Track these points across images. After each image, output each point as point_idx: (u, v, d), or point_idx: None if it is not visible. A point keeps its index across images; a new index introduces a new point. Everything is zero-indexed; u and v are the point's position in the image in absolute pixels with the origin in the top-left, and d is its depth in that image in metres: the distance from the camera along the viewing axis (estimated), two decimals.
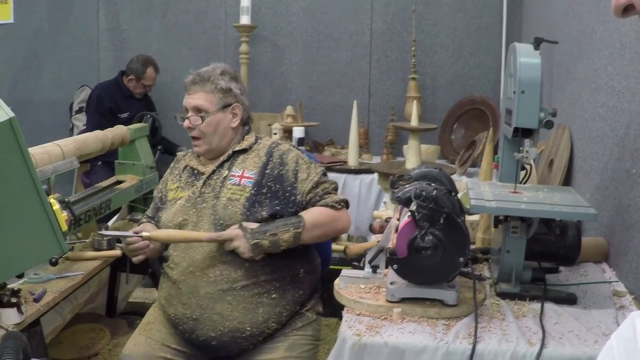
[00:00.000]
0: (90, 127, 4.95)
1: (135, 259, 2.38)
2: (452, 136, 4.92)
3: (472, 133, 4.69)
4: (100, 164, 5.05)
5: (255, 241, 2.22)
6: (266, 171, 2.37)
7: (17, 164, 1.56)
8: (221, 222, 2.30)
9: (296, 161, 2.40)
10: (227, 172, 2.39)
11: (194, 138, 2.44)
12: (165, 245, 2.43)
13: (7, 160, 1.55)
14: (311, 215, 2.33)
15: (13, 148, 1.55)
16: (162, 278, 2.47)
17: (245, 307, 2.27)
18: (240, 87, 2.51)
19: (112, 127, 3.46)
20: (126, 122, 3.89)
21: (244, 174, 2.37)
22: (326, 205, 2.36)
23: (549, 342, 1.64)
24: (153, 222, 2.53)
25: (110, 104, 5.12)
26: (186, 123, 2.43)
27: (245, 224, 2.26)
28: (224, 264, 2.28)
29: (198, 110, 2.41)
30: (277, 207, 2.34)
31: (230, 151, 2.44)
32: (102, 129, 3.39)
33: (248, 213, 2.29)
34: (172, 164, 2.64)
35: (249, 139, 2.49)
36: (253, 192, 2.33)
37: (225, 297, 2.26)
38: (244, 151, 2.45)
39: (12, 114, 1.54)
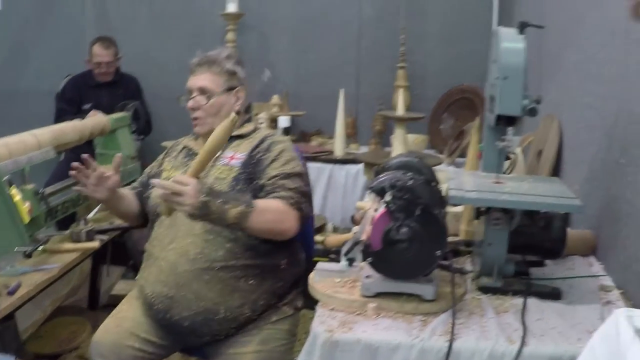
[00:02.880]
0: (55, 116, 4.88)
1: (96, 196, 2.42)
2: (441, 126, 4.86)
3: (461, 123, 4.63)
4: (64, 158, 4.94)
5: (206, 199, 2.05)
6: (252, 153, 2.37)
7: None
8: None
9: (280, 152, 2.37)
10: (219, 154, 2.38)
11: (196, 119, 2.45)
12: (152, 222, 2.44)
13: None
14: (263, 202, 2.22)
15: None
16: (144, 257, 2.45)
17: (222, 289, 2.24)
18: (244, 72, 2.53)
19: (73, 118, 3.36)
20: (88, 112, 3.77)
21: (234, 156, 2.38)
22: (280, 198, 2.25)
23: (530, 340, 1.58)
24: (135, 192, 2.60)
25: (72, 94, 4.99)
26: (190, 103, 2.44)
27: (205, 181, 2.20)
28: (206, 243, 2.25)
29: (203, 91, 2.43)
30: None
31: None
32: (61, 120, 3.33)
33: (233, 190, 2.28)
34: (171, 146, 2.68)
35: (248, 126, 2.52)
36: (240, 172, 2.33)
37: (202, 276, 2.23)
38: (240, 137, 2.46)
39: None
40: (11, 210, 1.58)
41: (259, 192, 2.29)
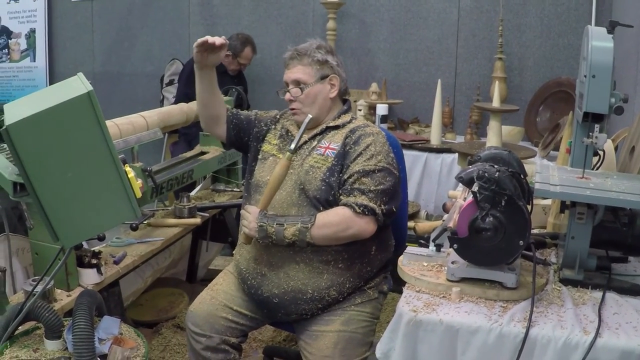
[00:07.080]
0: (177, 99, 5.07)
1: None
2: (537, 118, 4.81)
3: (558, 116, 4.58)
4: (181, 138, 5.20)
5: (262, 224, 2.30)
6: (344, 144, 2.43)
7: (94, 134, 1.65)
8: (301, 186, 2.38)
9: (367, 146, 2.39)
10: (316, 143, 2.48)
11: (294, 109, 2.53)
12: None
13: (84, 130, 1.64)
14: (325, 215, 2.31)
15: (91, 119, 1.64)
16: (240, 237, 2.58)
17: (311, 271, 2.36)
18: (337, 60, 2.58)
19: None
20: None
21: (329, 146, 2.45)
22: (346, 205, 2.30)
23: (604, 332, 1.62)
24: (229, 112, 2.72)
25: None
26: (287, 96, 2.54)
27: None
28: None
29: (297, 83, 2.51)
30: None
31: (324, 126, 2.52)
32: (188, 102, 3.50)
33: (327, 180, 2.36)
34: (282, 115, 2.72)
35: (345, 117, 2.55)
36: (334, 162, 2.39)
37: (294, 258, 2.36)
38: (336, 127, 2.52)
39: (90, 88, 1.63)
40: (126, 186, 1.74)
41: (341, 186, 2.36)
